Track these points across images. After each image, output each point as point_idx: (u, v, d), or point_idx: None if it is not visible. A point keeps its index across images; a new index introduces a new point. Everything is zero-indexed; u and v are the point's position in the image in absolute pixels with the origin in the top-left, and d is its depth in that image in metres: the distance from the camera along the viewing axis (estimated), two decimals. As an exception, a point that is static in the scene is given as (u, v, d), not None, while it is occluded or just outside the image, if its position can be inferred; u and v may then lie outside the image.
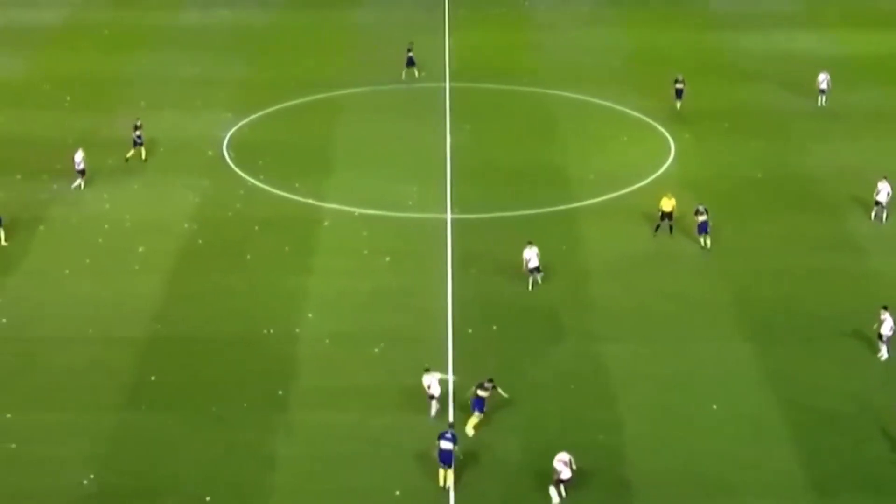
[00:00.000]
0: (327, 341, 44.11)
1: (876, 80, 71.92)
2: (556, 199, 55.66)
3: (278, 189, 56.82)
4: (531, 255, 47.24)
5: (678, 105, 65.92)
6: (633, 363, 42.51)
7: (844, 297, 46.97)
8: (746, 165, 59.68)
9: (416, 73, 71.51)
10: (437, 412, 39.45)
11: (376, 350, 43.40)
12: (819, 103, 66.56)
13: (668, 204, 52.17)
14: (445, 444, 36.18)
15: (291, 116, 66.80)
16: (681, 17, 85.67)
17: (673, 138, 62.82)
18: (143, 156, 59.54)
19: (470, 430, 38.65)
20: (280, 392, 40.86)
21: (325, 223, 53.58)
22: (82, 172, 56.58)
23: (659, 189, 55.60)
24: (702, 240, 50.31)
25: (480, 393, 38.99)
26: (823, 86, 66.73)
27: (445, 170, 58.93)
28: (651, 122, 65.04)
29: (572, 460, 35.83)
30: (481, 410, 38.89)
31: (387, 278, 48.79)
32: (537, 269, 47.20)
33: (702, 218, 50.01)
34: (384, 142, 62.82)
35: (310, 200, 55.67)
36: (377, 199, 55.65)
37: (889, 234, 52.32)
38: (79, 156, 56.61)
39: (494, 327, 44.88)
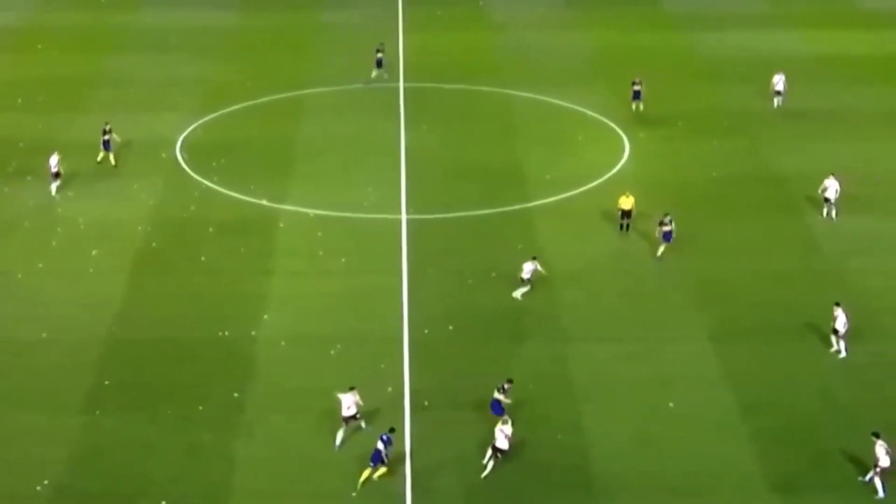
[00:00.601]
0: (283, 343, 44.33)
1: (833, 79, 72.70)
2: (513, 199, 56.09)
3: (233, 191, 56.93)
4: (528, 268, 47.09)
5: (635, 107, 66.32)
6: (593, 363, 42.98)
7: (803, 294, 47.59)
8: (702, 165, 60.33)
9: (384, 75, 71.62)
10: (343, 441, 38.35)
11: (333, 352, 43.67)
12: (774, 104, 67.15)
13: (626, 202, 52.71)
14: (379, 444, 36.70)
15: (247, 118, 66.84)
16: (638, 18, 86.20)
17: (628, 138, 63.39)
18: (113, 160, 59.34)
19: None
20: (236, 394, 41.05)
21: (281, 225, 53.76)
22: (57, 175, 56.31)
23: (612, 189, 56.19)
24: (661, 248, 50.50)
25: (498, 396, 39.22)
26: (779, 87, 67.16)
27: (400, 170, 59.23)
28: (607, 121, 65.58)
29: (513, 435, 36.95)
30: (499, 414, 38.55)
31: (343, 279, 49.05)
32: (528, 281, 47.09)
33: (666, 228, 50.31)
34: (340, 143, 63.03)
35: (265, 202, 55.83)
36: (333, 201, 55.86)
37: (842, 231, 53.08)
38: (54, 159, 56.32)
39: (451, 328, 45.23)
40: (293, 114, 67.19)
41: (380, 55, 72.03)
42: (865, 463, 37.52)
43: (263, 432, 39.27)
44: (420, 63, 74.34)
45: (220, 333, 44.87)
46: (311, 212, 54.91)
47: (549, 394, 40.99)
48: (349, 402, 38.31)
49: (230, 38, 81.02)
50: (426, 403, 40.47)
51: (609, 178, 58.65)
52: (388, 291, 47.84)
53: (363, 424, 38.79)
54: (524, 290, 47.00)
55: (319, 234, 52.85)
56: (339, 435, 38.36)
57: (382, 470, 36.83)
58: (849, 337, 43.71)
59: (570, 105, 68.16)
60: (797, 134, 64.12)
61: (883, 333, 45.11)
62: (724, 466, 37.85)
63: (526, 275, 47.02)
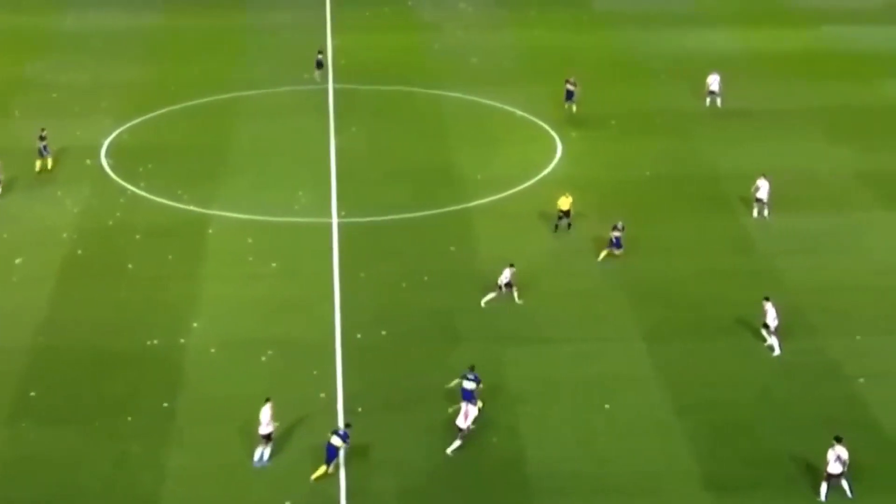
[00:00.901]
0: (213, 350, 43.96)
1: (764, 77, 73.48)
2: (445, 201, 56.07)
3: (160, 196, 56.43)
4: (507, 274, 46.82)
5: (567, 107, 66.48)
6: (529, 365, 42.98)
7: (737, 292, 47.86)
8: (635, 164, 60.64)
9: (319, 78, 71.29)
10: (262, 460, 37.69)
11: (264, 358, 43.36)
12: (707, 103, 67.55)
13: (565, 202, 52.84)
14: (336, 440, 36.74)
15: (174, 122, 66.33)
16: (569, 17, 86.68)
17: (560, 138, 63.60)
18: (49, 165, 58.60)
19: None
20: (166, 404, 40.63)
21: (210, 230, 53.35)
22: None
23: (546, 189, 56.46)
24: (604, 252, 50.54)
25: (466, 385, 39.58)
26: (714, 87, 67.53)
27: (331, 173, 59.02)
28: (539, 122, 65.77)
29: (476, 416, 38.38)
30: (470, 400, 39.02)
31: (273, 285, 48.75)
32: (508, 285, 46.81)
33: (616, 233, 50.35)
34: (269, 146, 62.70)
35: (193, 207, 55.38)
36: (262, 205, 55.54)
37: (776, 229, 53.55)
38: None
39: (384, 332, 45.10)
40: (221, 117, 66.76)
41: (320, 56, 71.80)
42: (802, 461, 37.89)
43: (194, 441, 38.89)
44: (349, 64, 74.15)
45: (149, 342, 44.41)
46: (241, 216, 54.55)
47: (484, 396, 40.90)
48: (267, 418, 37.56)
49: (155, 40, 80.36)
50: (360, 409, 40.28)
51: (542, 178, 58.82)
52: (319, 296, 47.62)
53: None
54: (492, 295, 46.81)
55: (249, 239, 52.50)
56: (260, 452, 37.77)
57: (324, 469, 36.81)
58: (783, 334, 44.12)
59: (502, 105, 68.30)
60: (729, 132, 64.68)
61: (816, 331, 45.55)
62: (661, 467, 38.00)
63: (504, 279, 46.70)
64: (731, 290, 48.14)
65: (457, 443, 38.32)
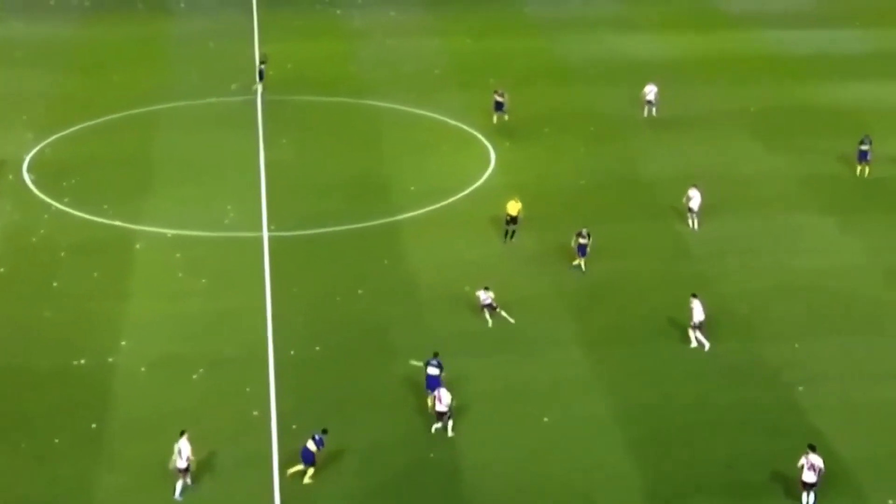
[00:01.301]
0: (143, 369, 43.75)
1: (696, 81, 74.38)
2: (377, 213, 56.18)
3: (85, 212, 56.07)
4: (486, 297, 46.77)
5: (496, 118, 66.65)
6: (465, 377, 43.04)
7: (672, 298, 48.22)
8: (569, 173, 61.12)
9: (261, 89, 71.14)
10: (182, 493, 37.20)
11: (195, 376, 43.22)
12: (644, 113, 68.09)
13: (513, 208, 53.14)
14: (311, 445, 37.36)
15: (99, 135, 65.90)
16: (499, 22, 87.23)
17: (493, 147, 63.95)
18: None
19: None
20: (94, 425, 40.37)
21: (137, 246, 53.08)
22: None
23: (480, 199, 56.91)
24: (580, 262, 50.75)
25: (431, 371, 40.86)
26: (651, 97, 68.12)
27: (260, 186, 58.93)
28: (471, 130, 66.08)
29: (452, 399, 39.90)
30: (435, 387, 40.38)
31: (204, 301, 48.60)
32: (492, 307, 46.76)
33: (582, 241, 50.62)
34: (197, 159, 62.46)
35: (119, 223, 55.08)
36: (191, 219, 55.35)
37: (710, 236, 54.14)
38: None
39: (318, 348, 45.12)
40: (147, 130, 66.43)
41: (262, 66, 71.63)
42: (743, 470, 38.39)
43: (124, 463, 38.65)
44: (277, 74, 74.05)
45: (76, 362, 44.10)
46: (169, 232, 54.33)
47: (420, 411, 41.06)
48: (187, 452, 37.11)
49: (77, 51, 79.83)
50: (294, 427, 40.26)
51: (476, 188, 59.11)
52: (251, 312, 47.53)
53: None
54: (495, 314, 46.88)
55: (178, 254, 52.30)
56: (181, 485, 37.36)
57: (311, 471, 37.32)
58: (721, 338, 44.87)
59: (433, 114, 68.56)
60: (664, 138, 65.37)
61: (754, 336, 46.14)
62: (601, 477, 38.29)
63: (486, 300, 46.63)
64: (667, 295, 48.60)
65: (438, 424, 39.84)
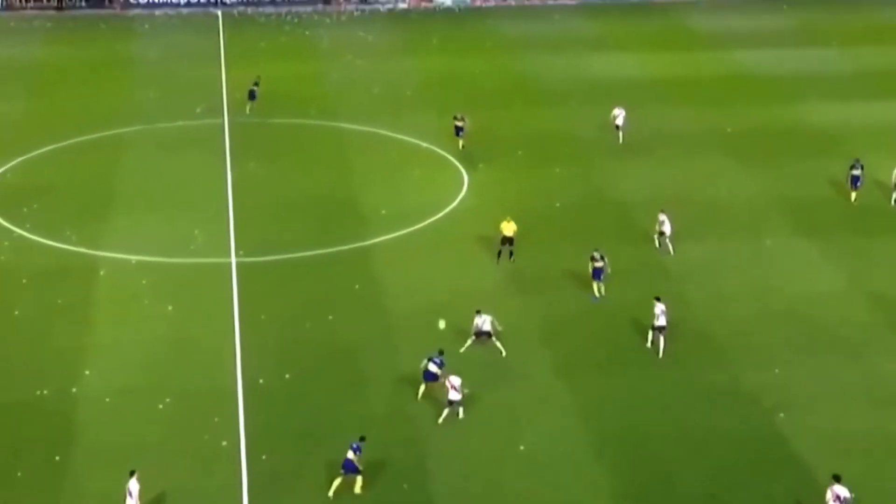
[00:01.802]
0: (108, 399, 43.54)
1: (676, 102, 74.82)
2: (348, 238, 56.19)
3: (48, 238, 55.87)
4: (482, 322, 46.58)
5: (461, 144, 66.60)
6: (437, 405, 42.91)
7: (648, 322, 48.45)
8: (544, 195, 61.22)
9: (250, 107, 71.24)
10: None
11: (161, 406, 43.04)
12: (617, 137, 68.24)
13: (508, 228, 53.26)
14: (350, 454, 37.99)
15: (60, 159, 65.72)
16: (473, 43, 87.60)
17: (466, 170, 64.08)
18: None
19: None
20: (58, 457, 40.14)
21: (101, 273, 52.91)
22: None
23: (452, 223, 57.02)
24: (595, 287, 50.79)
25: (431, 367, 42.60)
26: (619, 121, 68.39)
27: (228, 210, 58.88)
28: (443, 153, 66.20)
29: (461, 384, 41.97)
30: (433, 380, 42.73)
31: (170, 329, 48.45)
32: (488, 335, 46.59)
33: (597, 264, 50.69)
34: (162, 184, 62.35)
35: (83, 249, 54.90)
36: (156, 245, 55.23)
37: (685, 259, 54.27)
38: None
39: (287, 375, 45.02)
40: (111, 154, 66.30)
41: (255, 88, 71.69)
42: (725, 497, 38.45)
43: (88, 496, 38.43)
44: (245, 97, 74.03)
45: (38, 392, 43.85)
46: (134, 258, 54.19)
47: (392, 439, 41.04)
48: (136, 492, 36.84)
49: (39, 73, 79.72)
50: (263, 457, 40.15)
51: (449, 212, 59.20)
52: (219, 339, 47.42)
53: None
54: (470, 342, 46.84)
55: (143, 281, 52.16)
56: None
57: (360, 480, 37.98)
58: (690, 357, 45.42)
59: (405, 137, 68.69)
60: (640, 160, 65.59)
61: (733, 362, 46.23)
62: (577, 508, 38.39)
63: (485, 327, 46.44)
64: (642, 319, 48.73)
65: (446, 412, 41.89)
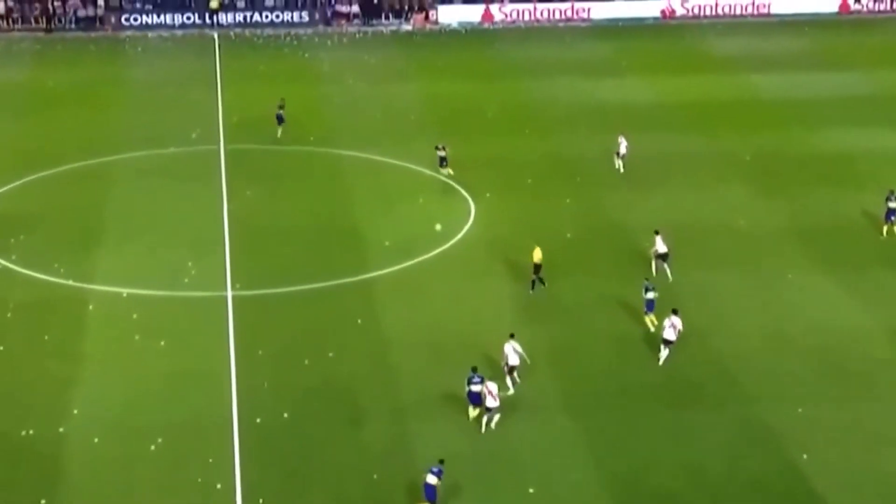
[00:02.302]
0: (97, 440, 43.34)
1: (690, 128, 74.82)
2: (350, 269, 56.04)
3: (35, 270, 55.78)
4: (510, 350, 46.55)
5: (448, 172, 66.30)
6: (443, 443, 42.79)
7: (655, 356, 48.36)
8: (554, 225, 60.99)
9: (280, 134, 71.45)
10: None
11: (153, 447, 42.82)
12: (616, 166, 68.14)
13: (538, 255, 53.46)
14: (431, 479, 38.66)
15: (48, 188, 65.74)
16: (478, 67, 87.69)
17: (473, 198, 63.97)
18: None
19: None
20: (43, 501, 39.91)
21: (90, 306, 52.80)
22: None
23: (458, 255, 56.87)
24: (650, 319, 50.63)
25: (474, 388, 43.45)
26: (622, 150, 68.36)
27: (224, 241, 58.79)
28: (449, 181, 66.11)
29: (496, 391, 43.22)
30: (478, 402, 43.60)
31: (162, 365, 48.26)
32: (515, 368, 46.58)
33: (650, 295, 50.65)
34: (155, 213, 62.30)
35: (71, 282, 54.80)
36: (148, 278, 55.11)
37: (698, 290, 54.00)
38: None
39: (286, 414, 44.80)
40: (102, 182, 66.30)
41: (281, 111, 71.85)
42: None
43: (76, 542, 38.31)
44: (242, 122, 74.17)
45: (23, 432, 43.66)
46: (125, 291, 54.08)
47: (393, 481, 40.79)
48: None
49: (26, 97, 79.90)
50: (260, 501, 39.92)
51: (455, 243, 59.04)
52: (214, 377, 47.24)
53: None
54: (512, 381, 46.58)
55: (135, 315, 52.01)
56: None
57: None
58: (704, 394, 45.45)
59: (408, 164, 68.64)
60: (654, 187, 65.52)
61: (748, 396, 45.94)
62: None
63: (513, 361, 46.42)
64: (653, 354, 48.45)
65: (495, 416, 43.58)
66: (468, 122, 74.00)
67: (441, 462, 39.30)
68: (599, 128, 73.88)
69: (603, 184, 66.27)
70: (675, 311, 47.82)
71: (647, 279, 51.68)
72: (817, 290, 54.76)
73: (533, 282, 53.81)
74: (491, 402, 43.19)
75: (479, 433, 43.42)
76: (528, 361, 46.69)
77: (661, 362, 47.71)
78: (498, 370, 46.01)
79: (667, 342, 47.81)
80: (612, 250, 58.49)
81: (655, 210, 62.61)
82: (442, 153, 66.78)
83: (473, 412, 43.95)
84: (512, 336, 46.79)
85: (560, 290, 53.90)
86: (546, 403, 45.61)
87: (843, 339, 50.44)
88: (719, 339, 50.24)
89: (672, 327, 47.68)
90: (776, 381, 47.26)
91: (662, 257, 55.19)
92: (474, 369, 44.17)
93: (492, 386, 43.35)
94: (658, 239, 55.23)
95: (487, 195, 64.48)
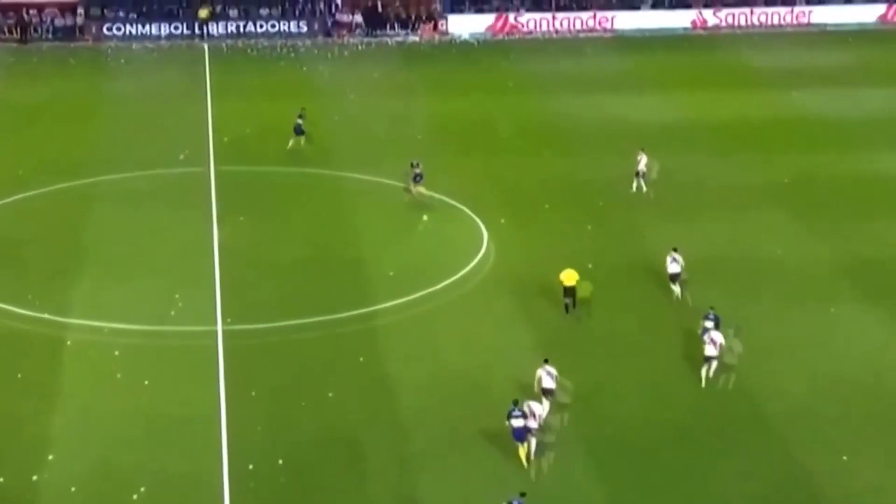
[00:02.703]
0: (73, 489, 43.30)
1: (725, 148, 75.04)
2: (351, 302, 56.05)
3: (7, 303, 55.88)
4: (544, 374, 47.00)
5: (416, 189, 66.78)
6: (454, 493, 42.79)
7: (696, 400, 48.20)
8: (574, 254, 60.81)
9: (301, 142, 71.79)
10: None
11: (135, 496, 42.78)
12: (634, 187, 68.31)
13: (569, 277, 53.87)
14: None
15: (23, 212, 65.97)
16: (493, 81, 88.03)
17: (485, 224, 64.04)
18: None
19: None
20: (16, 555, 40.05)
21: (68, 342, 52.84)
22: None
23: (471, 287, 56.99)
24: (714, 357, 50.15)
25: (516, 423, 43.61)
26: (641, 166, 68.55)
27: (214, 272, 58.88)
28: (460, 206, 66.21)
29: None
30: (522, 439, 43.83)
31: (146, 406, 48.23)
32: (551, 392, 47.03)
33: (708, 323, 50.67)
34: (140, 241, 62.42)
35: (47, 315, 54.88)
36: (132, 311, 55.16)
37: (739, 326, 54.02)
38: None
39: (280, 461, 44.79)
40: (80, 206, 66.49)
41: (300, 121, 72.18)
42: None
43: None
44: (234, 141, 74.38)
45: (-6, 480, 43.81)
46: (105, 325, 54.15)
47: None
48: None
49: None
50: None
51: (467, 273, 59.05)
52: (203, 419, 47.21)
53: None
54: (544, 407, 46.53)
55: (116, 352, 52.07)
56: None
57: None
58: (741, 438, 45.25)
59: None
60: (681, 213, 65.68)
61: (790, 442, 45.77)
62: None
63: (548, 384, 46.81)
64: (686, 393, 48.44)
65: (533, 442, 43.96)
66: (480, 141, 74.15)
67: (522, 495, 40.11)
68: (622, 148, 73.85)
69: (628, 209, 66.35)
70: (714, 325, 48.81)
71: (711, 309, 51.49)
72: (863, 326, 54.72)
73: (566, 305, 54.32)
74: (532, 423, 43.59)
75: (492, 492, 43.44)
76: (570, 386, 47.33)
77: (703, 384, 48.55)
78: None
79: (709, 359, 48.78)
80: (637, 282, 58.44)
81: (686, 237, 62.34)
82: (417, 170, 66.90)
83: (522, 450, 43.83)
84: (546, 361, 47.07)
85: (582, 325, 53.87)
86: (566, 447, 45.42)
87: (892, 379, 50.35)
88: (756, 377, 50.13)
89: (712, 343, 48.65)
90: (818, 425, 47.08)
91: (673, 278, 55.73)
92: (515, 402, 44.15)
93: (536, 407, 44.01)
94: (675, 255, 55.74)
95: (501, 221, 64.55)
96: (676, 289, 55.78)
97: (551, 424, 45.78)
